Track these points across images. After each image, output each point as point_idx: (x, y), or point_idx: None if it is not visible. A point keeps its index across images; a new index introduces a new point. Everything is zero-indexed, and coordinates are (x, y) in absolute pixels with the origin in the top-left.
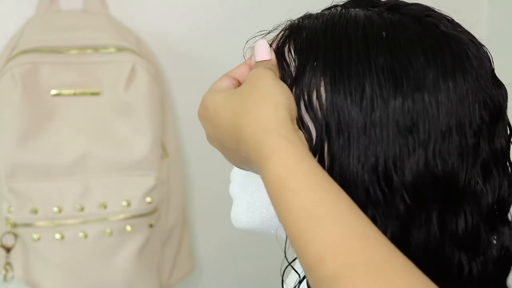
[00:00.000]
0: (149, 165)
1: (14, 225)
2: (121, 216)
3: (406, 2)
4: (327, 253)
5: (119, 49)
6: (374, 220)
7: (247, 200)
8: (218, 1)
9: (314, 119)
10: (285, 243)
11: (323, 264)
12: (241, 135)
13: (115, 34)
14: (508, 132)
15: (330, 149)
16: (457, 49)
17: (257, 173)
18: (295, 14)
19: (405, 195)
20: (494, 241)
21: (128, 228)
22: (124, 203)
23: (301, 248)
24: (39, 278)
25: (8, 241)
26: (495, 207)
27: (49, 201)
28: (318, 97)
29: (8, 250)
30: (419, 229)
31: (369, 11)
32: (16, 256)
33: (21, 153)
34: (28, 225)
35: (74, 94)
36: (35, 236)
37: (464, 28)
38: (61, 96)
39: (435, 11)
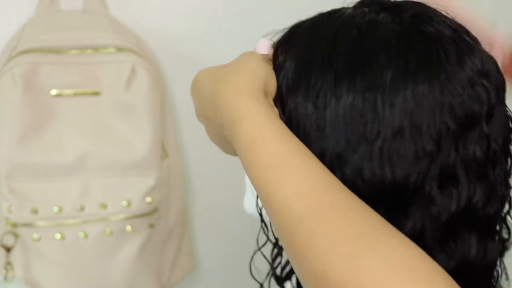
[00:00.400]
0: (149, 165)
1: (14, 225)
2: (121, 216)
3: (409, 1)
4: (293, 198)
5: (119, 49)
6: None
7: (251, 187)
8: (218, 1)
9: (281, 113)
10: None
11: (290, 208)
12: (218, 100)
13: (115, 34)
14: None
15: None
16: (428, 51)
17: (230, 142)
18: (295, 14)
19: None
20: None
21: (128, 228)
22: (124, 203)
23: (268, 196)
24: (39, 278)
25: (8, 241)
26: (460, 215)
27: (49, 201)
28: (286, 92)
29: (8, 250)
30: None
31: (359, 10)
32: (16, 256)
33: (21, 153)
34: (28, 225)
35: (74, 94)
36: (35, 236)
37: (464, 31)
38: (61, 96)
39: (434, 11)
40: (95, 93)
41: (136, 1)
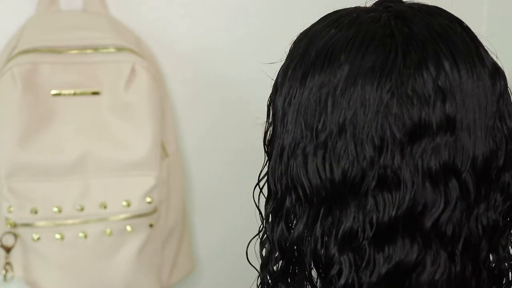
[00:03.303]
0: (149, 165)
1: (14, 225)
2: (121, 216)
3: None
4: None
5: (119, 49)
6: (273, 210)
7: None
8: (218, 1)
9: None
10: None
11: None
12: None
13: (115, 34)
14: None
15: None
16: (388, 54)
17: None
18: (295, 14)
19: (290, 185)
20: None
21: (128, 228)
22: (124, 203)
23: None
24: (39, 278)
25: (8, 241)
26: (403, 220)
27: (49, 201)
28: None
29: (8, 250)
30: (300, 220)
31: (367, 10)
32: (16, 256)
33: (21, 153)
34: (28, 225)
35: (74, 94)
36: (35, 236)
37: (448, 33)
38: (61, 96)
39: (427, 8)
40: (95, 93)
41: (136, 1)
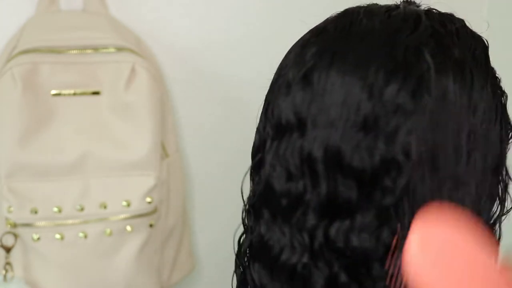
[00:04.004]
0: (149, 165)
1: (14, 225)
2: (121, 216)
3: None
4: None
5: (119, 49)
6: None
7: None
8: (218, 1)
9: None
10: None
11: None
12: None
13: (115, 34)
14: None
15: None
16: (344, 50)
17: None
18: (295, 13)
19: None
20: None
21: (128, 228)
22: (124, 203)
23: None
24: (39, 278)
25: (8, 241)
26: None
27: (49, 201)
28: None
29: (8, 250)
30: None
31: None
32: (16, 256)
33: (21, 153)
34: (28, 225)
35: (74, 94)
36: (35, 236)
37: (413, 32)
38: (61, 96)
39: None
40: (95, 93)
41: (136, 1)
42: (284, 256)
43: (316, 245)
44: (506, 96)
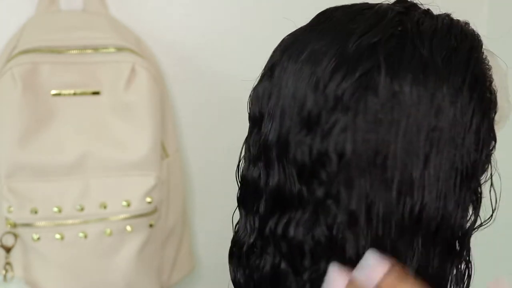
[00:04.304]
0: (149, 165)
1: (14, 225)
2: (121, 216)
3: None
4: None
5: (119, 49)
6: None
7: None
8: (218, 1)
9: None
10: None
11: None
12: None
13: (115, 34)
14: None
15: None
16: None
17: None
18: (295, 14)
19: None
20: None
21: (128, 228)
22: (124, 203)
23: None
24: (39, 278)
25: (8, 241)
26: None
27: (49, 201)
28: None
29: (8, 250)
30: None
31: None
32: (16, 256)
33: (21, 153)
34: (28, 225)
35: (74, 94)
36: (35, 236)
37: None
38: (61, 96)
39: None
40: (95, 93)
41: (136, 1)
42: (238, 236)
43: (266, 231)
44: (495, 103)
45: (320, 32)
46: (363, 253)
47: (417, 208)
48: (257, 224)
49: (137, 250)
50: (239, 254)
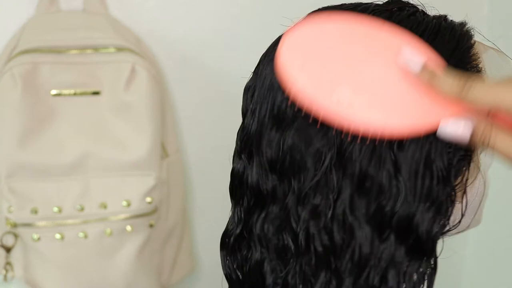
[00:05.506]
0: (149, 165)
1: (14, 225)
2: (121, 216)
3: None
4: None
5: (119, 49)
6: None
7: None
8: (218, 1)
9: None
10: None
11: None
12: None
13: (115, 34)
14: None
15: None
16: None
17: None
18: (296, 14)
19: None
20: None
21: (128, 228)
22: (124, 203)
23: None
24: (39, 278)
25: (8, 241)
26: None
27: (49, 201)
28: None
29: (8, 250)
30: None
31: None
32: (16, 256)
33: (21, 153)
34: (28, 225)
35: (74, 94)
36: (35, 236)
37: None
38: (61, 96)
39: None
40: (95, 93)
41: (136, 1)
42: (227, 227)
43: (250, 223)
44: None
45: None
46: (329, 245)
47: (383, 206)
48: (243, 216)
49: (137, 250)
50: (228, 244)
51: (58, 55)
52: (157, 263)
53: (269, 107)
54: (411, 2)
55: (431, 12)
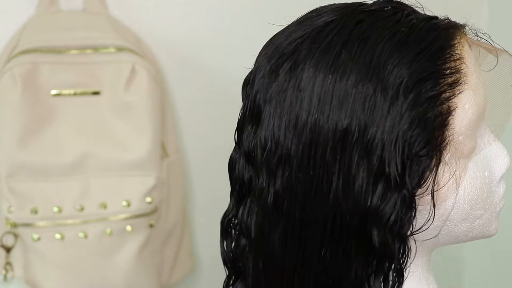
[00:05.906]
0: (149, 165)
1: (14, 225)
2: (121, 216)
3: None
4: None
5: (119, 49)
6: None
7: None
8: (218, 1)
9: None
10: None
11: None
12: None
13: (115, 34)
14: None
15: None
16: None
17: None
18: (296, 14)
19: None
20: None
21: (128, 228)
22: (124, 203)
23: None
24: (39, 278)
25: (8, 241)
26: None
27: (49, 201)
28: None
29: (8, 250)
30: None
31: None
32: (16, 256)
33: (21, 153)
34: (28, 225)
35: (74, 94)
36: (35, 236)
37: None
38: (61, 96)
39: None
40: (95, 93)
41: (136, 1)
42: (225, 212)
43: (238, 211)
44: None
45: (290, 27)
46: (293, 239)
47: (337, 197)
48: (234, 202)
49: (137, 250)
50: (222, 227)
51: (58, 55)
52: (157, 263)
53: (251, 101)
54: (409, 2)
55: (431, 12)
